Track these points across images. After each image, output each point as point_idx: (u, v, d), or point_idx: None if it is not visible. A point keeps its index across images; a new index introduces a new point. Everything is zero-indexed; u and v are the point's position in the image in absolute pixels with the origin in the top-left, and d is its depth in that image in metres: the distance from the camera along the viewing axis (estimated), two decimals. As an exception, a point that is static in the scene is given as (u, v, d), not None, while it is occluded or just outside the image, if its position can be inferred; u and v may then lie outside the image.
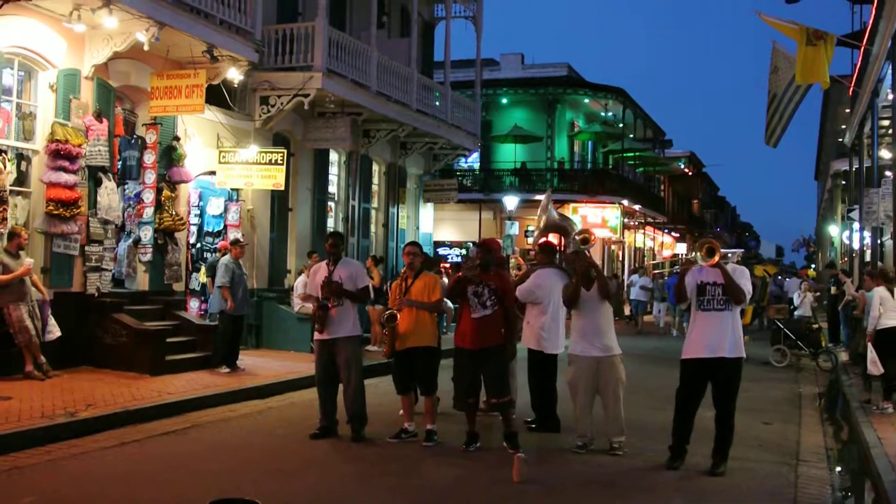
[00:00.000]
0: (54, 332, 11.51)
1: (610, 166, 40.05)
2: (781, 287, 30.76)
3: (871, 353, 11.31)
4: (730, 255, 8.13)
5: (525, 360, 9.90)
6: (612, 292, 8.68)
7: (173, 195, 14.25)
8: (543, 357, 9.75)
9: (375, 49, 18.24)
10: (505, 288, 8.59)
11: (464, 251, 32.68)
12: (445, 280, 11.50)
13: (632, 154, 39.75)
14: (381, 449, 8.61)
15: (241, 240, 14.39)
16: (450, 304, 10.11)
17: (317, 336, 9.07)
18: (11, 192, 11.56)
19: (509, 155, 34.40)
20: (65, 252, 12.19)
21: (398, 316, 8.80)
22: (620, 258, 40.46)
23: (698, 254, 7.74)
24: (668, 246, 50.74)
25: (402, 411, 9.85)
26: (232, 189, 15.93)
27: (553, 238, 10.83)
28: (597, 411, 8.70)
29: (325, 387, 9.04)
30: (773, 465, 8.34)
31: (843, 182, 28.29)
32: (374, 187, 21.54)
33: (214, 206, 16.45)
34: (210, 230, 16.47)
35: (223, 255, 14.93)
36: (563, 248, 10.27)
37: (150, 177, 13.65)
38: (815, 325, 18.15)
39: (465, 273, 8.66)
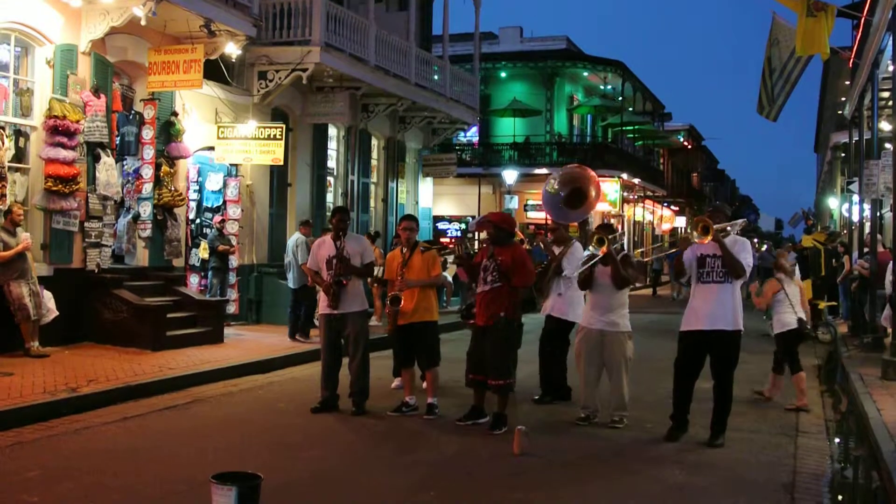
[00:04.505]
0: (50, 313, 11.53)
1: (609, 140, 39.99)
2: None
3: (888, 309, 12.74)
4: (729, 227, 8.10)
5: (531, 332, 9.91)
6: (626, 280, 8.56)
7: (172, 171, 14.22)
8: (564, 325, 9.83)
9: (374, 23, 18.15)
10: (511, 265, 8.23)
11: (463, 225, 32.71)
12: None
13: (631, 127, 39.69)
14: (382, 422, 8.66)
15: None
16: (448, 277, 10.14)
17: (324, 310, 9.09)
18: (10, 168, 11.54)
19: (508, 129, 34.33)
20: (64, 228, 12.19)
21: (402, 298, 8.80)
22: (620, 232, 40.47)
23: (694, 232, 7.76)
24: (667, 219, 50.73)
25: (393, 385, 9.97)
26: (231, 164, 15.91)
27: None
28: (604, 385, 8.78)
29: (330, 361, 9.07)
30: (772, 437, 8.38)
31: (843, 154, 28.18)
32: (373, 162, 21.50)
33: (213, 182, 16.43)
34: (209, 206, 16.46)
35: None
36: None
37: (149, 152, 13.62)
38: (822, 305, 18.14)
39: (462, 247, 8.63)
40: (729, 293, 7.78)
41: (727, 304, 7.77)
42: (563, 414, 9.14)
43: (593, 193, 10.06)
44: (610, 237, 8.60)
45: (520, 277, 8.31)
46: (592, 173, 10.35)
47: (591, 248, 8.50)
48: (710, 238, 7.62)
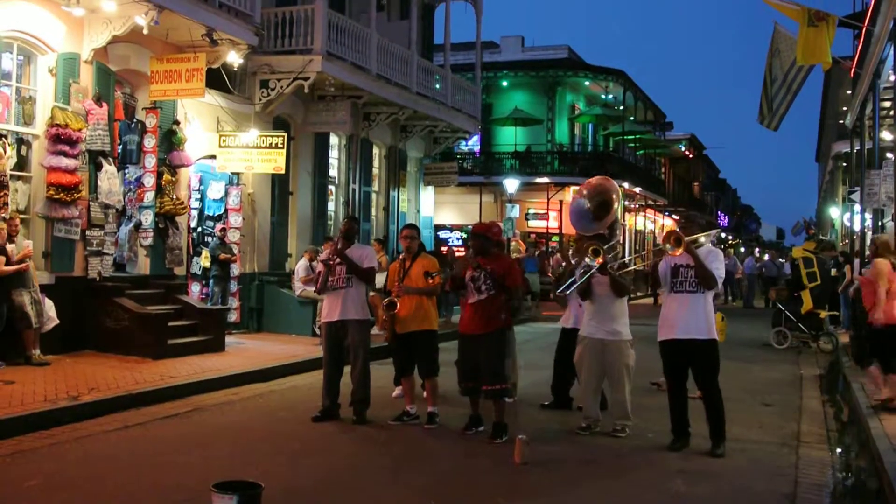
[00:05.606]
0: (51, 321, 11.54)
1: (611, 149, 40.01)
2: (780, 269, 30.90)
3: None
4: (703, 238, 8.19)
5: (531, 341, 9.90)
6: (625, 288, 8.73)
7: (174, 179, 14.25)
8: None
9: (375, 32, 18.19)
10: (503, 271, 8.38)
11: (464, 234, 32.71)
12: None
13: (632, 137, 39.72)
14: (384, 431, 8.65)
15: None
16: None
17: (325, 318, 9.10)
18: (12, 176, 11.57)
19: (510, 138, 34.35)
20: (66, 236, 12.20)
21: (398, 304, 8.82)
22: (621, 241, 40.50)
23: (667, 244, 7.83)
24: (668, 228, 50.69)
25: (393, 394, 9.94)
26: (232, 173, 15.94)
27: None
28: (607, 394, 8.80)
29: (331, 369, 9.07)
30: (773, 447, 8.37)
31: (844, 164, 28.21)
32: (375, 171, 21.52)
33: (215, 190, 16.46)
34: (211, 214, 16.49)
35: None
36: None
37: (151, 161, 13.64)
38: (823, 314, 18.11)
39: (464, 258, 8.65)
40: (701, 303, 7.86)
41: (699, 313, 7.84)
42: (565, 423, 9.13)
43: (616, 206, 10.17)
44: (605, 247, 8.65)
45: (511, 278, 8.43)
46: (615, 184, 10.45)
47: (587, 259, 8.52)
48: (681, 250, 7.71)
